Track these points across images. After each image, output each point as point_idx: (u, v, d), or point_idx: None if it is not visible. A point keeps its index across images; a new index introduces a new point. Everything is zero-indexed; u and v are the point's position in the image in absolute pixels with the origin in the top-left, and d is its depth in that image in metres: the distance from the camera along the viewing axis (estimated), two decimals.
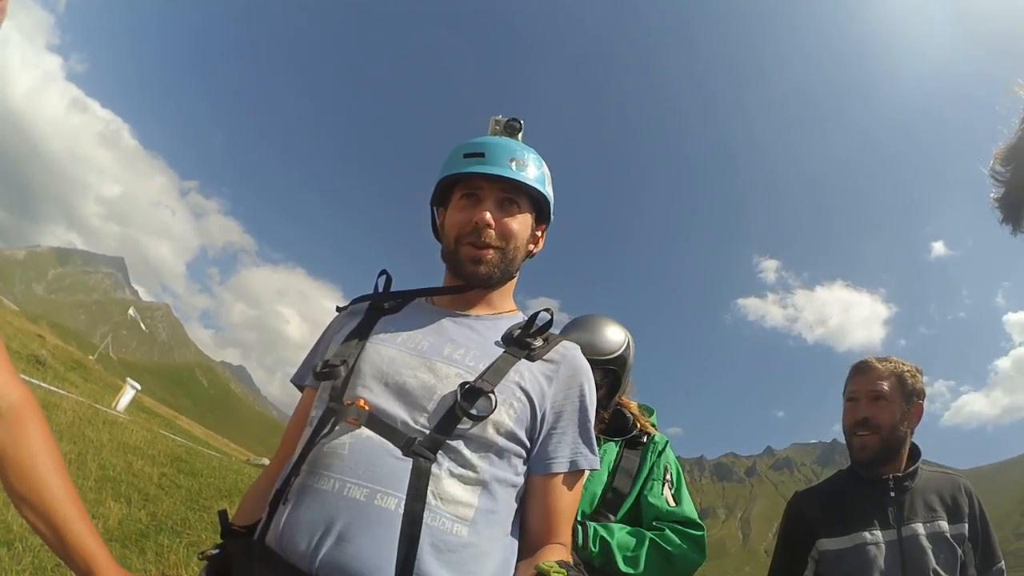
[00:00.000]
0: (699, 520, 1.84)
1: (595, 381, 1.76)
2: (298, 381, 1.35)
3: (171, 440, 14.28)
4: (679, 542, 1.76)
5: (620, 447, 2.01)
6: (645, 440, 2.03)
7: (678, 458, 2.04)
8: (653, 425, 2.13)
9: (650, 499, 1.87)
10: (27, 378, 13.08)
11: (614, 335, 2.02)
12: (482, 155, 1.26)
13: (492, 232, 1.23)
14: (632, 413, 2.07)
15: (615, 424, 2.06)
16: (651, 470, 1.94)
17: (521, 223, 1.28)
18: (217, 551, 1.13)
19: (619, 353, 2.00)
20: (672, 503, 1.87)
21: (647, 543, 1.75)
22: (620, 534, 1.76)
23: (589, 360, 1.46)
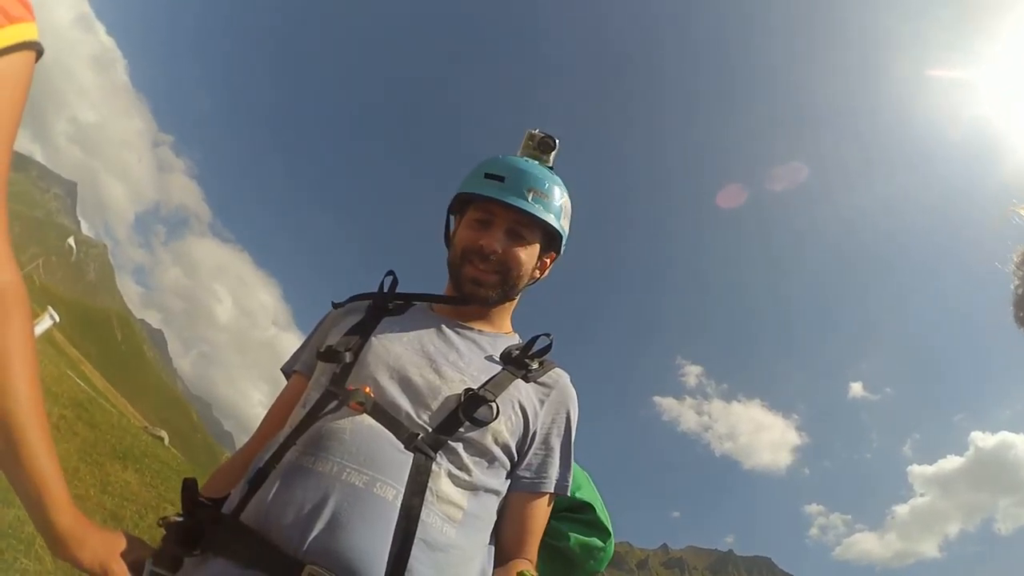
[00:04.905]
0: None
1: None
2: (287, 368, 1.36)
3: (76, 384, 13.54)
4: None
5: None
6: None
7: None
8: None
9: None
10: None
11: None
12: (502, 179, 1.28)
13: (495, 259, 1.28)
14: None
15: None
16: None
17: (528, 253, 1.31)
18: (181, 519, 1.05)
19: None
20: None
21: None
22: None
23: None
